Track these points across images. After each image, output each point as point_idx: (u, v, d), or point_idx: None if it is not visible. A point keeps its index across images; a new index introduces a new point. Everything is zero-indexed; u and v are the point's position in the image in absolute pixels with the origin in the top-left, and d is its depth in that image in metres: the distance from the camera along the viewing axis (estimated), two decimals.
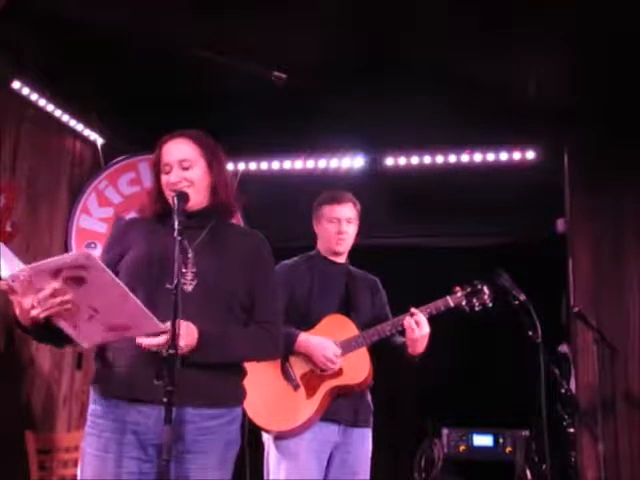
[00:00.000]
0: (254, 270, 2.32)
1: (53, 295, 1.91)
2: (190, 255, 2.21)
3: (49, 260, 1.89)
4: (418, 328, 2.97)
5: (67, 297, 1.92)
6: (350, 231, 3.20)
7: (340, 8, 3.86)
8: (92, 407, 2.20)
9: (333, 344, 2.99)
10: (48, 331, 2.04)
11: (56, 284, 1.89)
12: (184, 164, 2.30)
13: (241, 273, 2.28)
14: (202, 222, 2.30)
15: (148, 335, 2.03)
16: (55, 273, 1.89)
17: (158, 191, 2.34)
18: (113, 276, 1.94)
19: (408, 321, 2.99)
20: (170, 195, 2.28)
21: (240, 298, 2.28)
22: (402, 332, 3.08)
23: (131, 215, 4.80)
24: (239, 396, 2.30)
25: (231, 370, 2.25)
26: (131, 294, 1.96)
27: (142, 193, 4.90)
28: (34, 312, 1.93)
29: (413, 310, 3.02)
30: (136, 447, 2.12)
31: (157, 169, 2.34)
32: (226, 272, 2.25)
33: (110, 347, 2.19)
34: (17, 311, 2.00)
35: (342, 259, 3.25)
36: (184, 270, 2.19)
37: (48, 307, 1.93)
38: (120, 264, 2.26)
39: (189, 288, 2.18)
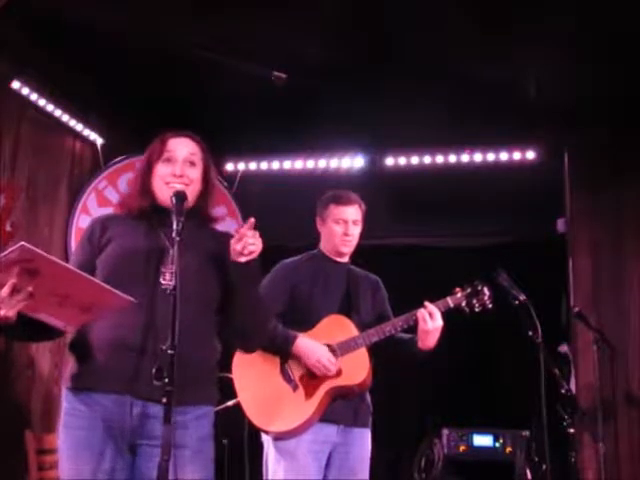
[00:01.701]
0: (228, 266, 2.27)
1: (14, 291, 1.91)
2: (170, 254, 2.17)
3: None
4: (431, 320, 2.98)
5: (29, 289, 1.92)
6: (356, 233, 3.20)
7: (340, 8, 3.86)
8: (65, 405, 2.19)
9: (326, 350, 2.99)
10: (26, 328, 2.03)
11: (13, 279, 1.90)
12: (193, 158, 2.30)
13: (217, 271, 2.27)
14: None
15: (123, 309, 2.02)
16: (6, 269, 1.89)
17: (146, 186, 2.32)
18: (57, 260, 1.94)
19: (422, 313, 3.01)
20: (164, 188, 2.26)
21: (216, 296, 2.27)
22: (409, 330, 3.09)
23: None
24: (210, 396, 2.27)
25: (205, 370, 2.24)
26: (82, 273, 1.97)
27: None
28: (1, 312, 1.92)
29: (427, 303, 3.03)
30: (112, 440, 2.12)
31: (153, 161, 2.32)
32: (204, 271, 2.25)
33: (84, 342, 2.17)
34: None
35: (345, 259, 3.25)
36: (163, 270, 2.19)
37: (14, 303, 1.92)
38: (99, 258, 2.24)
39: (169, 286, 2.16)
